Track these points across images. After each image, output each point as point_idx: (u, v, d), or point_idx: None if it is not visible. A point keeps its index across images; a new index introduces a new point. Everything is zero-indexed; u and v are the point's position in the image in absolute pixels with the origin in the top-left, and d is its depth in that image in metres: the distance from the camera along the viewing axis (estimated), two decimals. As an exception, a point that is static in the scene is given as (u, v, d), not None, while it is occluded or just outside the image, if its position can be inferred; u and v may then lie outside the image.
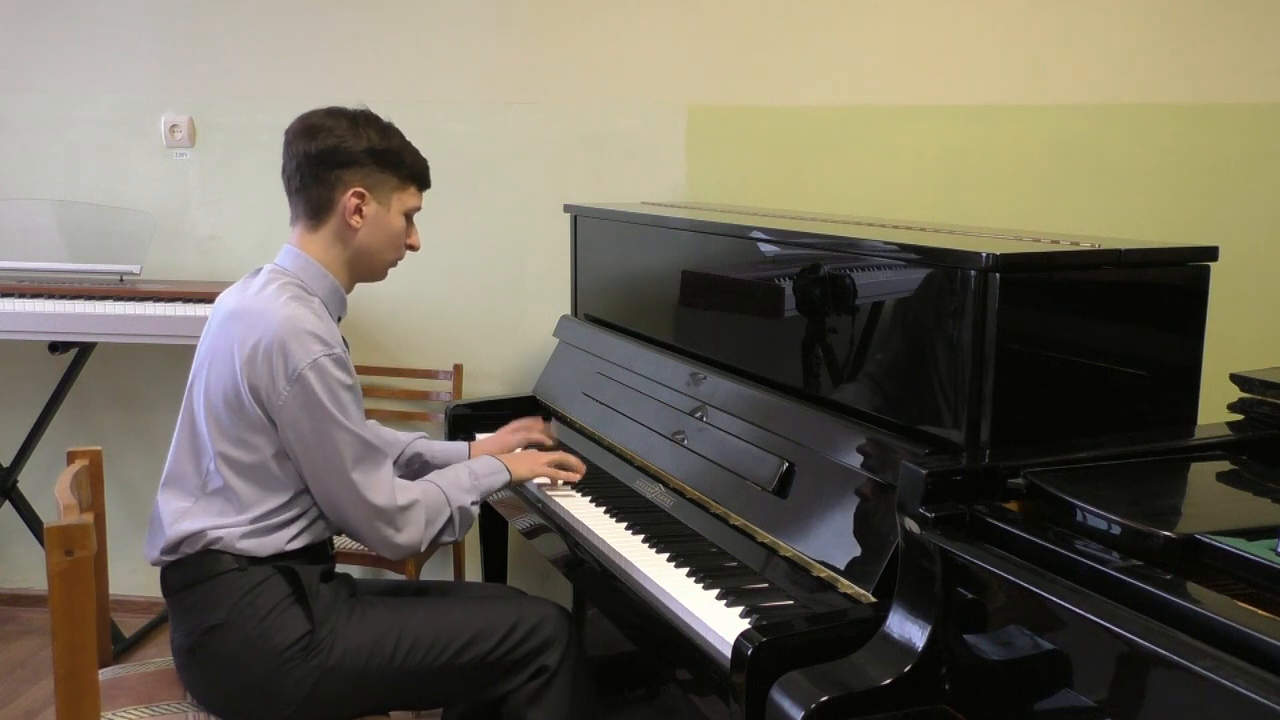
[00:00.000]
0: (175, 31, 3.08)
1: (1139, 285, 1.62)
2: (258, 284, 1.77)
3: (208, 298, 2.75)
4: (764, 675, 1.33)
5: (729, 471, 1.87)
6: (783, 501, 1.72)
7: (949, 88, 2.80)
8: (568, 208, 2.79)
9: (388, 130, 1.81)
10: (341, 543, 2.38)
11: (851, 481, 1.63)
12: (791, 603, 1.55)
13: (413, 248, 1.88)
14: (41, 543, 1.54)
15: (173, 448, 1.78)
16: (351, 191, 1.76)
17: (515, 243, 3.06)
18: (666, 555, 1.75)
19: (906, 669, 1.30)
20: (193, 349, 1.82)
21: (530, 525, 2.19)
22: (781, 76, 2.88)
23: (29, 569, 3.29)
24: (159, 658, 1.89)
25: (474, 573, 2.84)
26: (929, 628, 1.31)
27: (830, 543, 1.59)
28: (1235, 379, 1.63)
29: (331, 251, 1.80)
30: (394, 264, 1.88)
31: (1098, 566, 1.15)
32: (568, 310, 2.82)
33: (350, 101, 1.81)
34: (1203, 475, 1.46)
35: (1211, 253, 1.63)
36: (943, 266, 1.56)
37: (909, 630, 1.33)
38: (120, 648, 2.94)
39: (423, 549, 1.81)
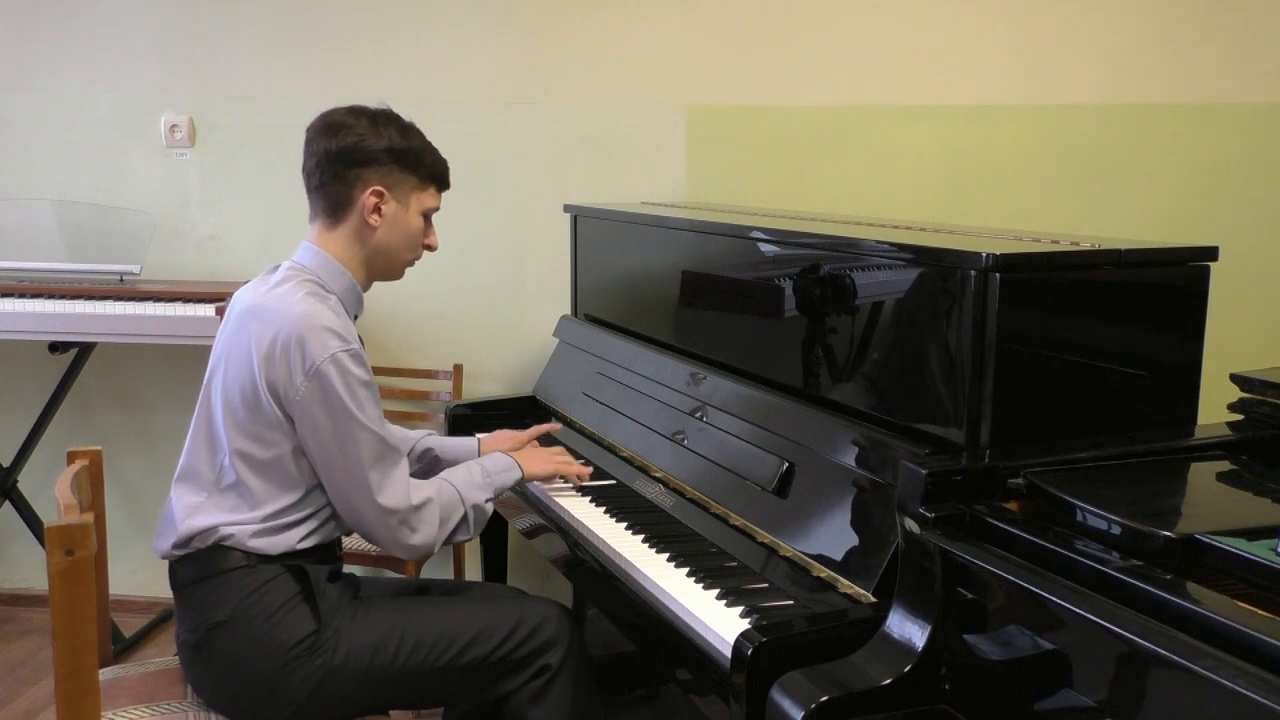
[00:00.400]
0: (175, 31, 3.08)
1: (1139, 285, 1.62)
2: (275, 280, 1.77)
3: (208, 298, 2.75)
4: (764, 675, 1.33)
5: (729, 471, 1.87)
6: (783, 501, 1.72)
7: (949, 88, 2.80)
8: (568, 208, 2.79)
9: (409, 130, 1.81)
10: (344, 542, 2.37)
11: (851, 481, 1.63)
12: (791, 603, 1.55)
13: (430, 248, 1.87)
14: (42, 543, 1.55)
15: (188, 443, 1.78)
16: (371, 190, 1.76)
17: (515, 243, 3.06)
18: (667, 555, 1.75)
19: (906, 669, 1.30)
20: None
21: (530, 525, 2.19)
22: (781, 76, 2.88)
23: (29, 569, 3.30)
24: (159, 657, 1.89)
25: (474, 572, 2.84)
26: (929, 628, 1.31)
27: (830, 543, 1.59)
28: (1235, 379, 1.63)
29: (350, 250, 1.80)
30: (411, 264, 1.88)
31: (1098, 566, 1.15)
32: (568, 310, 2.83)
33: (352, 101, 1.81)
34: (1203, 475, 1.46)
35: (1211, 253, 1.63)
36: (943, 266, 1.56)
37: (909, 630, 1.33)
38: (120, 648, 2.94)
39: (437, 549, 1.81)
